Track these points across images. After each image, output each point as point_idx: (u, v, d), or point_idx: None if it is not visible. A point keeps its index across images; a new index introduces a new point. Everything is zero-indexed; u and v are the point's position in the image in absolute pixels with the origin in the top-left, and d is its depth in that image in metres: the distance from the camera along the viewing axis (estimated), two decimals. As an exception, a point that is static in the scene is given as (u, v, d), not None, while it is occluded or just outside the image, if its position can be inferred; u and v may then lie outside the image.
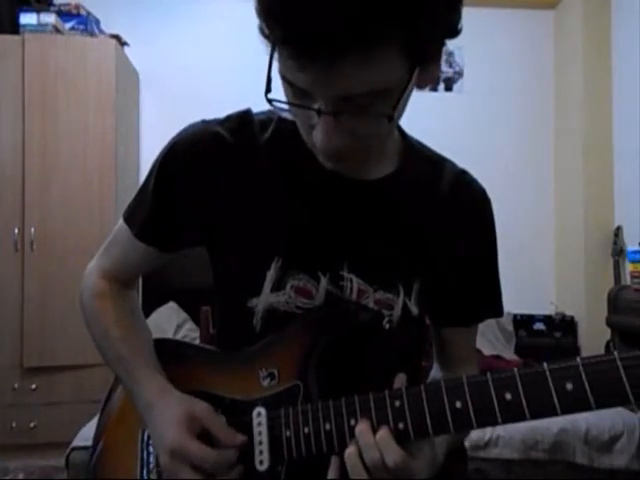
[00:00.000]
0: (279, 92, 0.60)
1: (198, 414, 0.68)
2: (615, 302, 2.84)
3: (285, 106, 0.60)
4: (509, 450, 2.03)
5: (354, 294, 0.73)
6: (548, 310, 3.47)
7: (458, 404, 0.57)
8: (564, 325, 3.35)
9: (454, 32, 0.57)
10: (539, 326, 3.38)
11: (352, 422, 0.62)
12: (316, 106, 0.56)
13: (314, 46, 0.50)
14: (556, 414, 0.53)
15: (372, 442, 0.59)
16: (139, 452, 0.76)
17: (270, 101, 0.58)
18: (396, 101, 0.56)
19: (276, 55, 0.56)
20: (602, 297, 2.94)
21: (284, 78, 0.56)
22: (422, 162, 0.79)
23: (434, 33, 0.54)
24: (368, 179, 0.74)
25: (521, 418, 0.55)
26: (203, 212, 0.75)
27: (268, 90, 0.57)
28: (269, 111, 0.78)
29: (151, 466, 0.75)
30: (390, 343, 0.75)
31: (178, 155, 0.75)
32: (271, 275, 0.72)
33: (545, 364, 0.54)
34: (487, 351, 2.93)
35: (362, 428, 0.60)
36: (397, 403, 0.60)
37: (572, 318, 3.36)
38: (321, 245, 0.73)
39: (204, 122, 0.77)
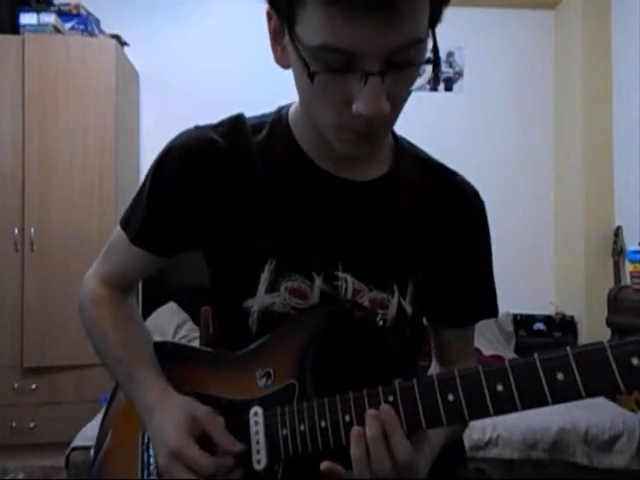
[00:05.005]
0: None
1: (199, 418, 0.69)
2: (615, 302, 2.83)
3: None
4: (509, 450, 2.02)
5: (349, 294, 0.73)
6: (548, 310, 3.47)
7: (450, 397, 0.58)
8: (564, 325, 3.35)
9: None
10: (539, 326, 3.38)
11: (347, 418, 0.63)
12: (362, 69, 0.55)
13: None
14: (547, 404, 0.53)
15: (381, 434, 0.59)
16: (139, 454, 0.77)
17: (313, 75, 0.56)
18: (434, 47, 0.58)
19: (302, 34, 0.55)
20: (602, 297, 2.94)
21: (324, 48, 0.55)
22: (414, 164, 0.80)
23: None
24: (361, 180, 0.74)
25: (513, 409, 0.55)
26: (198, 216, 0.75)
27: (307, 66, 0.56)
28: (262, 115, 0.79)
29: (151, 468, 0.75)
30: (385, 341, 0.75)
31: (172, 161, 0.75)
32: (265, 276, 0.72)
33: (536, 354, 0.55)
34: (487, 351, 2.93)
35: (371, 414, 0.60)
36: (390, 398, 0.61)
37: (572, 318, 3.37)
38: (315, 246, 0.73)
39: (197, 128, 0.77)
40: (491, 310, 0.86)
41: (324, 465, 0.61)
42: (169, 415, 0.69)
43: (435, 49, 0.58)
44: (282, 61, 0.65)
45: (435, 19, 0.58)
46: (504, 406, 0.55)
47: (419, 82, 0.60)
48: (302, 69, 0.57)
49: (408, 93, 0.61)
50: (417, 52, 0.56)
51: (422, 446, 0.65)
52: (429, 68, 0.59)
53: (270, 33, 0.64)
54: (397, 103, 0.60)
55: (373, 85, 0.55)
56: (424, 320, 0.84)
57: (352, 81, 0.56)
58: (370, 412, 0.60)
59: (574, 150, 3.39)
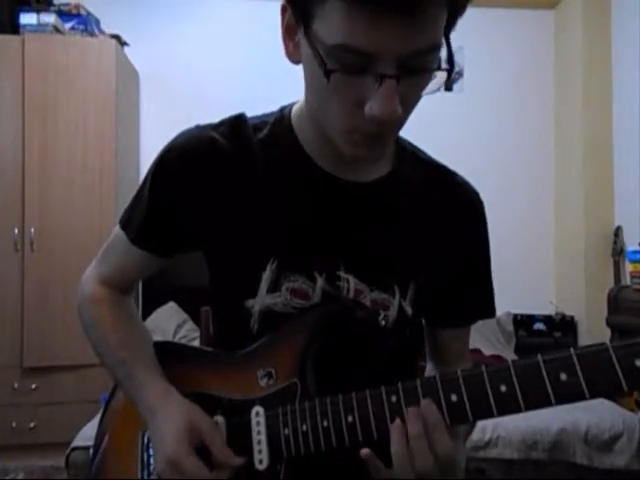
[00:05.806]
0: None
1: (199, 427, 0.69)
2: (615, 302, 2.84)
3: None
4: (509, 450, 2.02)
5: (351, 294, 0.73)
6: (548, 310, 3.48)
7: (454, 397, 0.58)
8: (564, 325, 3.35)
9: (464, 6, 0.59)
10: (539, 326, 3.38)
11: (349, 418, 0.62)
12: (378, 71, 0.55)
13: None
14: (551, 404, 0.53)
15: (423, 430, 0.59)
16: (139, 454, 0.77)
17: (329, 73, 0.56)
18: (449, 55, 0.58)
19: (319, 31, 0.55)
20: (602, 297, 2.95)
21: (342, 47, 0.54)
22: (415, 164, 0.80)
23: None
24: (362, 181, 0.74)
25: (516, 409, 0.55)
26: (199, 216, 0.75)
27: (324, 63, 0.56)
28: (264, 115, 0.79)
29: (151, 468, 0.75)
30: (387, 341, 0.75)
31: (172, 160, 0.75)
32: (266, 276, 0.72)
33: (539, 355, 0.55)
34: (487, 351, 2.94)
35: (413, 413, 0.60)
36: (393, 398, 0.61)
37: (572, 318, 3.37)
38: (316, 246, 0.73)
39: (198, 127, 0.77)
40: (489, 310, 0.86)
41: (364, 452, 0.61)
42: (170, 420, 0.69)
43: (450, 57, 0.58)
44: (293, 57, 0.64)
45: (450, 27, 0.58)
46: (507, 406, 0.55)
47: (431, 87, 0.60)
48: (317, 66, 0.57)
49: (419, 97, 0.61)
50: (433, 58, 0.57)
51: (458, 442, 0.65)
52: (439, 74, 0.59)
53: (283, 27, 0.63)
54: (408, 107, 0.60)
55: (388, 88, 0.55)
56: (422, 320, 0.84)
57: (367, 82, 0.56)
58: (412, 410, 0.60)
59: (574, 150, 3.39)
